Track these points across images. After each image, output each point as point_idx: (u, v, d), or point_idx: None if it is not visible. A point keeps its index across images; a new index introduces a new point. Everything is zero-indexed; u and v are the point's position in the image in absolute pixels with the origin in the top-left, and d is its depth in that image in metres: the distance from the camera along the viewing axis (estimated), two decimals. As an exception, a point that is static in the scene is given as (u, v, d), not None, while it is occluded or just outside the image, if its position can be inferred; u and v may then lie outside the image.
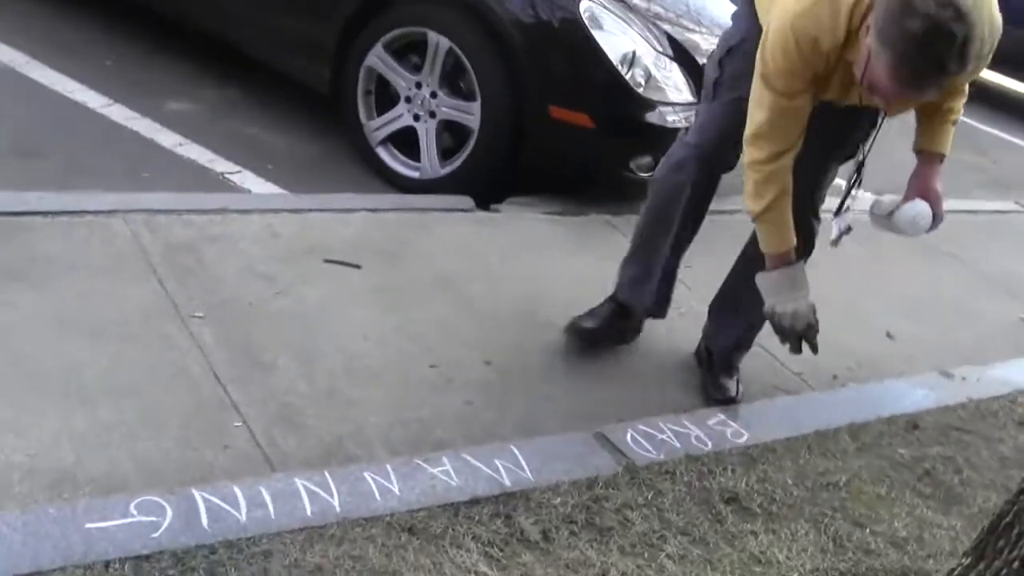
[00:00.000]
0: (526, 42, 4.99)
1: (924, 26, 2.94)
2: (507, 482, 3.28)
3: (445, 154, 5.33)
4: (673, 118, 5.23)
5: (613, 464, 3.48)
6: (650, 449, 3.60)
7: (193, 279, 3.94)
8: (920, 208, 3.67)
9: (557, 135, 5.11)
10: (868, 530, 3.44)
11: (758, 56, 3.40)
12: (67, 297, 3.66)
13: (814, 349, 3.76)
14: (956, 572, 2.31)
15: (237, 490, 2.96)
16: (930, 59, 3.02)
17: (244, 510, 2.91)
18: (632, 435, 3.66)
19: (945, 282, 5.91)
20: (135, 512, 2.81)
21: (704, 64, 5.35)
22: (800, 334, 3.69)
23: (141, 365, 3.43)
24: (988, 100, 9.93)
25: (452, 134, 5.36)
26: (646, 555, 3.10)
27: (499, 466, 3.33)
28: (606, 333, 4.15)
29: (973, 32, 2.95)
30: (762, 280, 3.71)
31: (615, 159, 5.35)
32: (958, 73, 3.09)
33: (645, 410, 3.90)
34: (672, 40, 5.39)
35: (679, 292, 4.37)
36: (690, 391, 4.14)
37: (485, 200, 5.24)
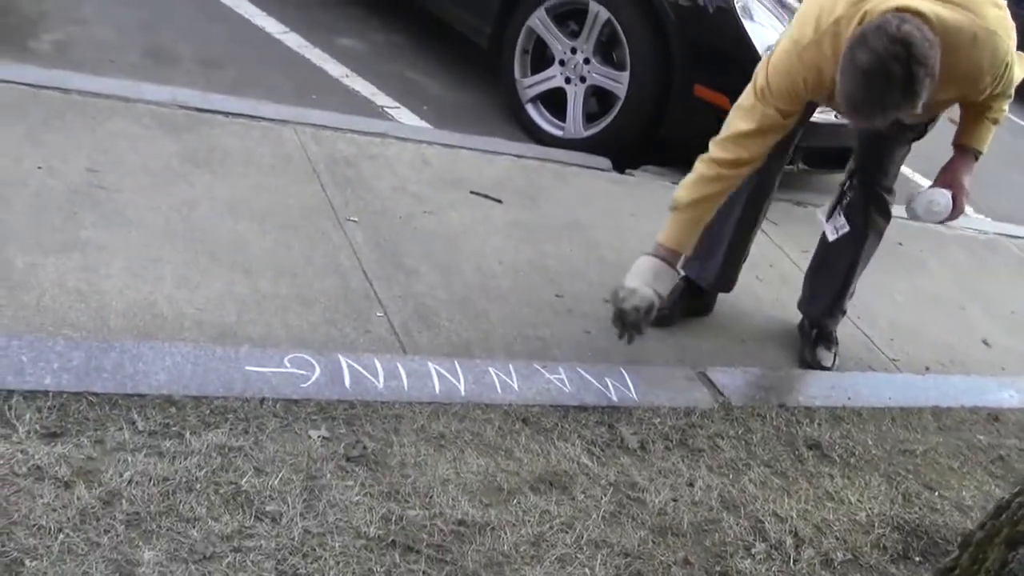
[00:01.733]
0: (680, 22, 5.28)
1: (869, 62, 3.13)
2: (614, 398, 3.60)
3: (589, 118, 5.66)
4: (808, 111, 5.50)
5: (710, 400, 3.78)
6: (746, 393, 3.88)
7: (351, 188, 4.32)
8: (936, 196, 3.83)
9: (697, 113, 5.38)
10: (937, 493, 3.69)
11: (758, 70, 3.61)
12: (239, 185, 4.06)
13: (621, 334, 3.80)
14: (1005, 500, 2.57)
15: (377, 362, 3.32)
16: (871, 94, 3.21)
17: (382, 379, 3.26)
18: (732, 379, 3.95)
19: (1051, 305, 6.08)
20: (288, 364, 3.18)
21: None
22: (622, 310, 3.72)
23: (299, 251, 3.81)
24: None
25: (598, 100, 5.68)
26: (731, 476, 3.40)
27: (608, 383, 3.65)
28: (673, 311, 4.22)
29: (920, 72, 3.12)
30: (639, 261, 3.76)
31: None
32: (907, 108, 3.24)
33: (746, 362, 4.19)
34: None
35: (786, 262, 4.67)
36: (790, 353, 4.41)
37: (621, 165, 5.55)
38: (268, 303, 3.51)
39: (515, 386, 3.46)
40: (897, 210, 5.90)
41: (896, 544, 3.34)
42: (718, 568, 2.96)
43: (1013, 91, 3.67)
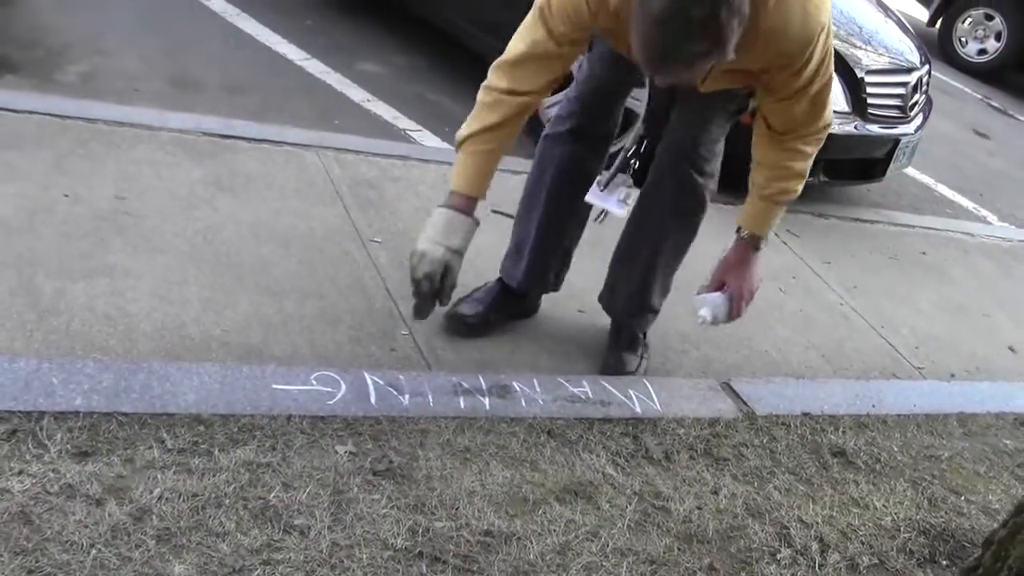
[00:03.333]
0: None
1: (663, 3, 2.60)
2: (638, 409, 3.62)
3: (609, 135, 5.68)
4: (827, 123, 5.53)
5: (735, 410, 3.80)
6: (771, 403, 3.90)
7: (374, 210, 4.37)
8: (705, 305, 3.50)
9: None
10: (963, 498, 3.69)
11: None
12: (263, 209, 4.12)
13: (416, 309, 3.40)
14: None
15: (402, 378, 3.36)
16: (668, 42, 2.66)
17: (407, 395, 3.29)
18: (756, 389, 3.97)
19: (1079, 311, 6.10)
20: (314, 382, 3.22)
21: (862, 76, 5.72)
22: (414, 280, 3.30)
23: (323, 272, 3.86)
24: None
25: (619, 118, 5.71)
26: (755, 484, 3.42)
27: (632, 395, 3.67)
28: (489, 317, 3.92)
29: (724, 12, 2.59)
30: (434, 217, 3.29)
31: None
32: (715, 56, 2.68)
33: (769, 372, 4.22)
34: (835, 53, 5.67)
35: (807, 273, 4.68)
36: (814, 363, 4.43)
37: (642, 181, 5.56)
38: (294, 323, 3.55)
39: (539, 399, 3.49)
40: (912, 218, 5.94)
41: (922, 548, 3.34)
42: (743, 573, 2.97)
43: (815, 149, 3.30)
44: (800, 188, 3.40)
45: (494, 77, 3.20)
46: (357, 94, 5.75)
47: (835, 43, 5.70)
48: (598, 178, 3.66)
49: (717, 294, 3.52)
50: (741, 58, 2.85)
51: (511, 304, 3.99)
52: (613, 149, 3.79)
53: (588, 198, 3.65)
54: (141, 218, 3.81)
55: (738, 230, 3.50)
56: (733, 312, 3.53)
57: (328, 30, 6.44)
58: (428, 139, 5.50)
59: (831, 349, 4.60)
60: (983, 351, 5.10)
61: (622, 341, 4.00)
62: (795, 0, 2.94)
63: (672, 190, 3.71)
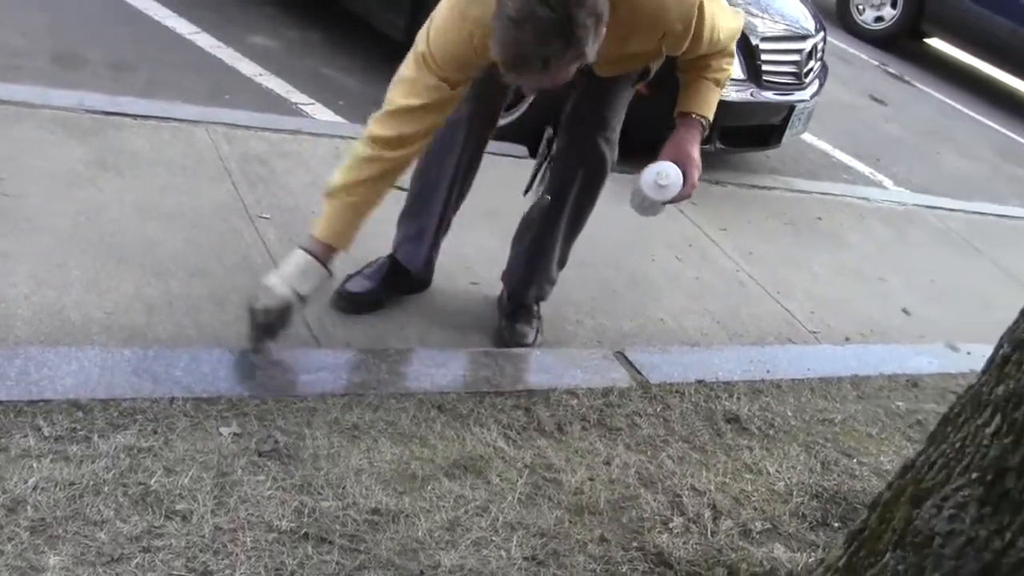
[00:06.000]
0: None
1: (518, 6, 2.67)
2: (531, 381, 3.62)
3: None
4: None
5: (628, 379, 3.80)
6: (665, 371, 3.90)
7: (263, 186, 4.30)
8: (665, 167, 3.32)
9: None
10: (855, 460, 3.73)
11: (420, 33, 3.13)
12: (148, 187, 4.03)
13: (253, 345, 3.33)
14: (910, 459, 2.60)
15: (290, 356, 3.32)
16: (523, 45, 2.73)
17: (295, 373, 3.27)
18: (650, 357, 3.97)
19: (968, 273, 6.20)
20: (198, 362, 3.16)
21: (757, 44, 5.73)
22: (251, 310, 3.30)
23: (210, 250, 3.79)
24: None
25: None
26: (648, 453, 3.42)
27: (525, 367, 3.67)
28: (380, 294, 3.87)
29: (579, 13, 2.67)
30: (290, 254, 3.33)
31: (666, 124, 5.64)
32: (571, 58, 2.76)
33: (664, 341, 4.22)
34: (730, 20, 5.68)
35: (704, 240, 4.69)
36: (710, 330, 4.44)
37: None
38: (179, 303, 3.48)
39: (430, 374, 3.47)
40: (809, 184, 5.98)
41: (815, 511, 3.37)
42: (635, 543, 2.97)
43: (734, 48, 3.41)
44: (731, 69, 3.47)
45: (377, 127, 3.19)
46: (249, 68, 5.65)
47: (730, 10, 5.74)
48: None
49: (670, 163, 3.35)
50: (630, 44, 3.11)
51: (403, 280, 3.94)
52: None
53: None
54: (20, 199, 3.70)
55: (677, 115, 3.47)
56: (688, 183, 3.37)
57: (219, 3, 6.31)
58: (321, 113, 5.43)
59: (727, 316, 4.62)
60: (878, 315, 5.16)
61: (519, 313, 3.98)
62: None
63: (579, 161, 3.71)
